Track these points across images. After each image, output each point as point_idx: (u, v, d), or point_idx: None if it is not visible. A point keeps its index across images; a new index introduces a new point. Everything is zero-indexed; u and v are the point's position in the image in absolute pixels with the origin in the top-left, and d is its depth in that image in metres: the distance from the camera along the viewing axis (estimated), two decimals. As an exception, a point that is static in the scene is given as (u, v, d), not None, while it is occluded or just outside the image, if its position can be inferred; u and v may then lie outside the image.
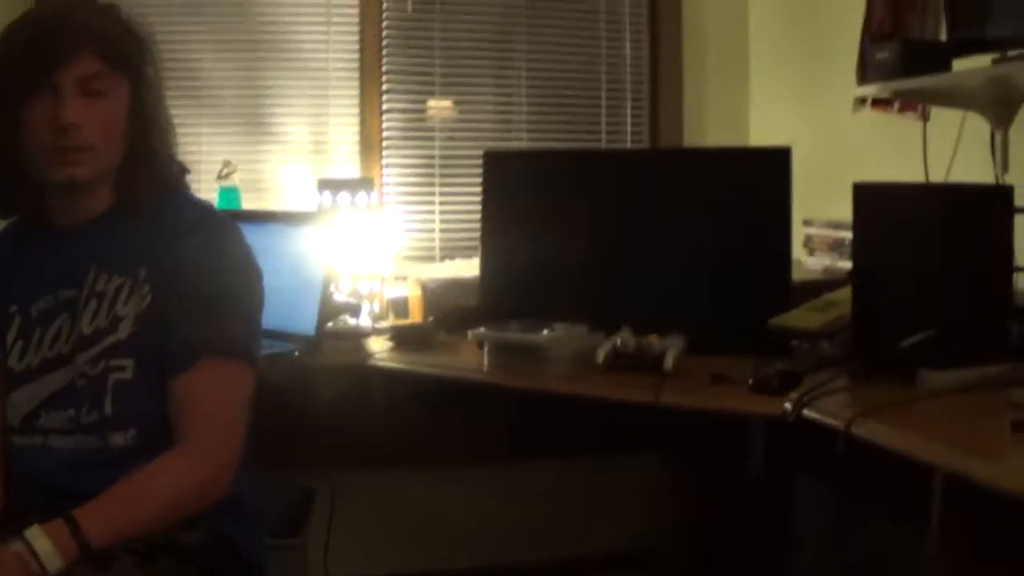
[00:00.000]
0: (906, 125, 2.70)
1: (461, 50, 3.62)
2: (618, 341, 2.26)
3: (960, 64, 2.29)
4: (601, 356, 2.25)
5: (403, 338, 2.69)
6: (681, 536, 3.02)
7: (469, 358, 2.46)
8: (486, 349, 2.38)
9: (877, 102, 2.75)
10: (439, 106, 3.62)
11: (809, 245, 2.92)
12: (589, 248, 2.61)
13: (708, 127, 3.71)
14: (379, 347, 2.66)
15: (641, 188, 2.60)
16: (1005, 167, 2.29)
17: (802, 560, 2.31)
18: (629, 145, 3.75)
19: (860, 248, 2.15)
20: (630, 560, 3.31)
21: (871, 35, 2.72)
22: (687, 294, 2.47)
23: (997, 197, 2.04)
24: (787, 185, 2.44)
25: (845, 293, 2.20)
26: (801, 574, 2.30)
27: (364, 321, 2.83)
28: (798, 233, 2.72)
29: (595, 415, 2.48)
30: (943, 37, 2.45)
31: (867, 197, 2.14)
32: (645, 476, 3.20)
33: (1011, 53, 2.12)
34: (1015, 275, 2.03)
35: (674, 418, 2.06)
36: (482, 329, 2.38)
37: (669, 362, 2.17)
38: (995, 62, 2.17)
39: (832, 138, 3.11)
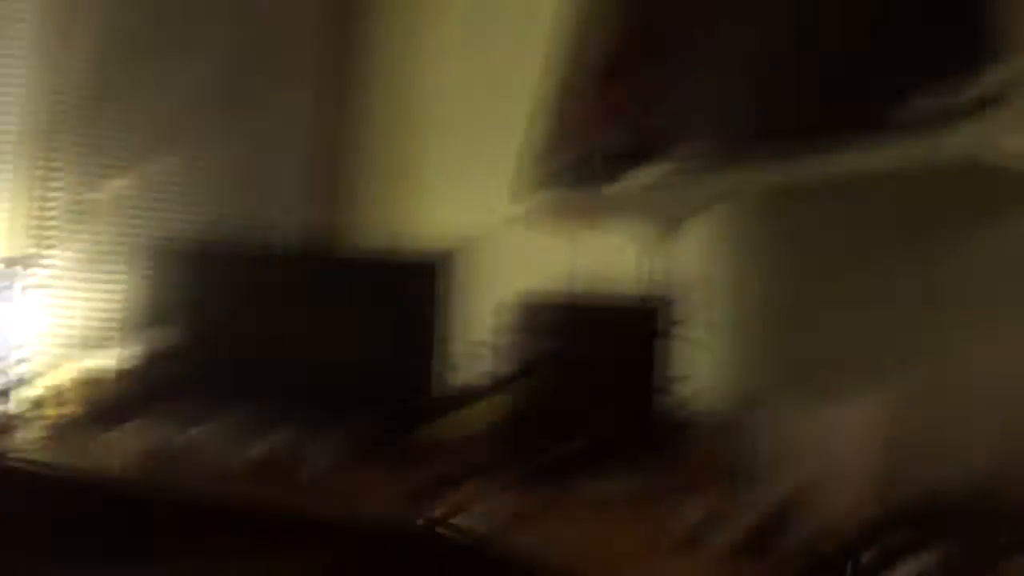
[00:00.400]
0: (580, 232, 2.73)
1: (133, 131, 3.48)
2: (269, 444, 2.23)
3: (632, 176, 2.32)
4: (250, 458, 2.21)
5: (55, 430, 2.55)
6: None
7: (119, 455, 2.35)
8: (136, 446, 2.30)
9: (555, 209, 2.78)
10: (107, 188, 3.47)
11: (471, 353, 2.93)
12: (251, 345, 2.60)
13: (377, 224, 3.67)
14: (26, 439, 2.51)
15: (297, 291, 2.63)
16: (664, 280, 2.34)
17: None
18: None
19: (520, 357, 2.19)
20: None
21: (549, 143, 2.74)
22: (345, 399, 2.48)
23: (647, 314, 2.12)
24: (437, 299, 2.52)
25: (504, 401, 2.22)
26: None
27: (14, 407, 2.67)
28: (463, 339, 2.74)
29: (245, 519, 2.41)
30: (625, 148, 2.48)
31: (528, 311, 2.18)
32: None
33: (668, 168, 2.18)
34: (669, 387, 2.11)
35: (321, 525, 2.03)
36: (133, 424, 2.31)
37: (319, 469, 2.15)
38: (658, 177, 2.22)
39: (506, 243, 3.13)
